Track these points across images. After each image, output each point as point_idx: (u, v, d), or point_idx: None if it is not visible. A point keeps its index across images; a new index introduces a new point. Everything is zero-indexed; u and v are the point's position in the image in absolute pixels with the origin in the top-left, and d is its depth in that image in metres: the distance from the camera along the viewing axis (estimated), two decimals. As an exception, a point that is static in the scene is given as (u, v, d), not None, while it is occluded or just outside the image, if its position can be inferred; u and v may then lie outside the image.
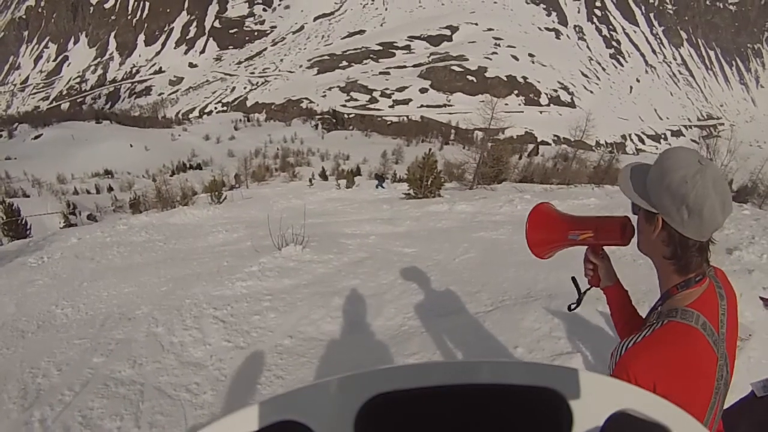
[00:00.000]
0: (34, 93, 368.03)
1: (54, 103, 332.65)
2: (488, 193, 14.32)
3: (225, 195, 19.02)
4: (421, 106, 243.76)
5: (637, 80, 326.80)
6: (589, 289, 1.79)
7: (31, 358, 4.68)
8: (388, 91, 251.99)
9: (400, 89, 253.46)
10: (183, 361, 4.47)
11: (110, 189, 48.24)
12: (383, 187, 21.85)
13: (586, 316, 4.23)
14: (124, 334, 5.07)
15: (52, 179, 58.10)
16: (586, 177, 18.25)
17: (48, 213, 19.94)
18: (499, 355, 3.97)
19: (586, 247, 1.69)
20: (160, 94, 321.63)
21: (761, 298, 4.31)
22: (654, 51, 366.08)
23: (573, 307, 1.83)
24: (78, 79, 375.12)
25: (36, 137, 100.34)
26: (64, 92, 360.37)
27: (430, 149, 17.97)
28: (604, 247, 1.67)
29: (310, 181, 27.34)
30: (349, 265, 6.82)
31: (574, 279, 1.87)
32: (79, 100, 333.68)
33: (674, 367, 1.29)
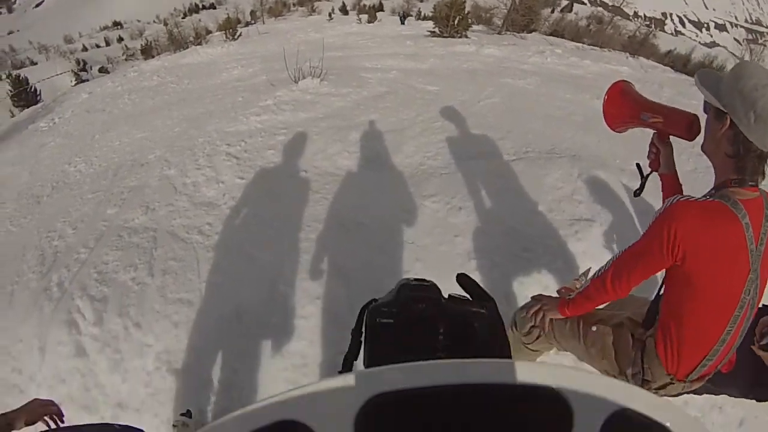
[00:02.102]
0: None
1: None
2: (517, 41, 13.22)
3: (240, 32, 17.96)
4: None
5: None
6: (650, 173, 1.92)
7: (47, 223, 4.49)
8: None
9: None
10: (195, 202, 4.22)
11: (120, 39, 46.89)
12: (404, 23, 21.02)
13: (612, 185, 4.01)
14: (136, 180, 4.81)
15: (59, 41, 56.96)
16: (619, 44, 16.81)
17: (56, 74, 19.43)
18: (519, 208, 3.83)
19: (653, 132, 1.81)
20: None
21: None
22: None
23: (637, 192, 1.97)
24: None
25: (37, 5, 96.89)
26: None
27: None
28: (670, 138, 1.78)
29: (330, 15, 25.85)
30: (369, 100, 6.36)
31: (638, 165, 1.99)
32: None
33: (710, 242, 1.45)
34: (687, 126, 1.65)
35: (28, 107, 13.88)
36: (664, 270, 1.66)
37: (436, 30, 14.44)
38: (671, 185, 1.84)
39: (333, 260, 3.37)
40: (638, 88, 1.94)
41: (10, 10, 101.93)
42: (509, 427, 0.37)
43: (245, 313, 3.07)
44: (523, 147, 4.81)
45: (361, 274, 3.23)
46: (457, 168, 4.39)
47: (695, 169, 4.46)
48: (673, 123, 1.70)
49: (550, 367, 0.38)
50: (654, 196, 2.06)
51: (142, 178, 4.84)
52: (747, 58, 19.48)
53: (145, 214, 4.17)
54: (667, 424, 0.37)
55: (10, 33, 74.81)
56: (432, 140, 5.00)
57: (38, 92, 16.98)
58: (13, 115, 13.56)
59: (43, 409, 1.59)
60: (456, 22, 14.23)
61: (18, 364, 3.07)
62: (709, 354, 1.63)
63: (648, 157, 1.87)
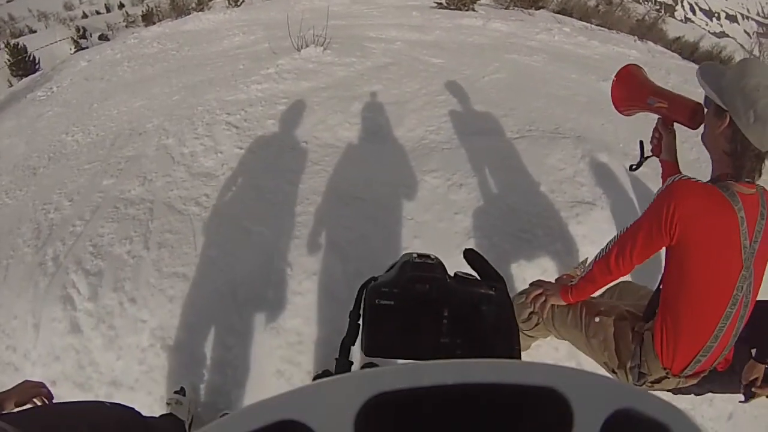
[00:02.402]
0: None
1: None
2: (525, 17, 12.97)
3: (243, -3, 17.77)
4: None
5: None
6: (650, 156, 1.95)
7: (43, 195, 4.45)
8: None
9: None
10: (193, 172, 4.17)
11: (121, 6, 46.59)
12: None
13: (614, 169, 4.00)
14: (134, 150, 4.76)
15: (59, 8, 56.60)
16: (628, 27, 16.64)
17: (55, 41, 19.26)
18: (520, 188, 3.78)
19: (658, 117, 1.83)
20: None
21: None
22: None
23: (634, 167, 2.02)
24: None
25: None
26: None
27: None
28: (674, 125, 1.81)
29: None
30: (372, 70, 6.25)
31: (641, 142, 2.01)
32: None
33: (705, 226, 1.47)
34: (690, 114, 1.68)
35: (26, 76, 13.74)
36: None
37: (443, 2, 14.29)
38: (671, 172, 1.86)
39: (330, 235, 3.34)
40: (646, 69, 1.95)
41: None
42: (509, 428, 0.36)
43: (240, 287, 3.04)
44: (526, 125, 4.74)
45: (359, 250, 3.20)
46: (459, 144, 4.33)
47: (698, 158, 4.37)
48: (677, 110, 1.72)
49: (550, 367, 0.37)
50: (656, 182, 2.07)
51: (139, 147, 4.78)
52: (756, 51, 19.30)
53: (142, 185, 4.12)
54: (669, 424, 0.35)
55: (9, 1, 74.12)
56: (435, 114, 4.93)
57: (37, 61, 16.81)
58: (11, 85, 13.49)
59: (33, 390, 1.61)
60: None
61: (12, 341, 3.07)
62: (702, 349, 1.64)
63: (651, 141, 1.92)
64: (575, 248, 3.31)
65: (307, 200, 3.65)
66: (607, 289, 2.33)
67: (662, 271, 1.74)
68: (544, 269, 3.17)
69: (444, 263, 0.79)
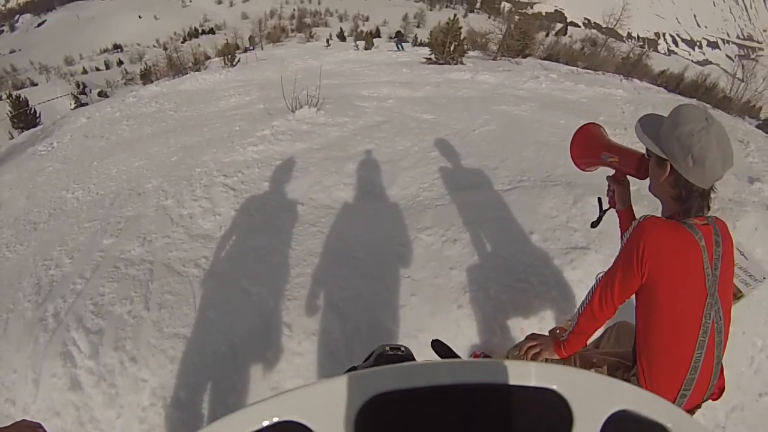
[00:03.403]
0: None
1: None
2: (512, 66, 13.61)
3: (238, 57, 18.25)
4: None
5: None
6: (609, 208, 2.09)
7: (43, 250, 4.52)
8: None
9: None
10: (192, 234, 4.26)
11: (120, 63, 47.49)
12: (402, 49, 21.58)
13: (607, 215, 4.08)
14: (133, 210, 4.86)
15: (60, 63, 57.41)
16: (613, 66, 17.26)
17: (56, 97, 19.61)
18: (513, 239, 3.88)
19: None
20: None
21: None
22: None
23: (594, 224, 2.18)
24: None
25: (39, 25, 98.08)
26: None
27: (454, 15, 16.88)
28: (627, 176, 1.91)
29: (328, 42, 26.20)
30: (365, 129, 6.46)
31: (599, 199, 2.17)
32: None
33: (672, 259, 1.55)
34: (637, 165, 1.78)
35: (27, 129, 13.98)
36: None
37: (432, 57, 14.74)
38: (627, 221, 2.00)
39: (328, 295, 3.40)
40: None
41: (12, 29, 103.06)
42: (509, 428, 0.37)
43: (240, 348, 3.08)
44: (517, 175, 4.86)
45: (357, 309, 3.25)
46: (452, 199, 4.44)
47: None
48: (626, 162, 1.83)
49: (550, 367, 0.39)
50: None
51: (139, 207, 4.88)
52: (739, 73, 19.74)
53: (141, 245, 4.20)
54: (668, 425, 0.38)
55: (12, 52, 75.46)
56: (427, 171, 5.06)
57: (38, 114, 17.11)
58: (12, 137, 13.60)
59: (29, 430, 1.59)
60: (452, 48, 14.62)
61: (11, 394, 3.09)
62: (684, 384, 1.64)
63: (607, 194, 2.04)
64: (571, 293, 3.36)
65: (304, 261, 3.72)
66: (607, 329, 2.39)
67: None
68: (542, 317, 3.23)
69: (413, 353, 0.87)
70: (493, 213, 4.19)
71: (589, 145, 1.98)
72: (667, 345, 1.64)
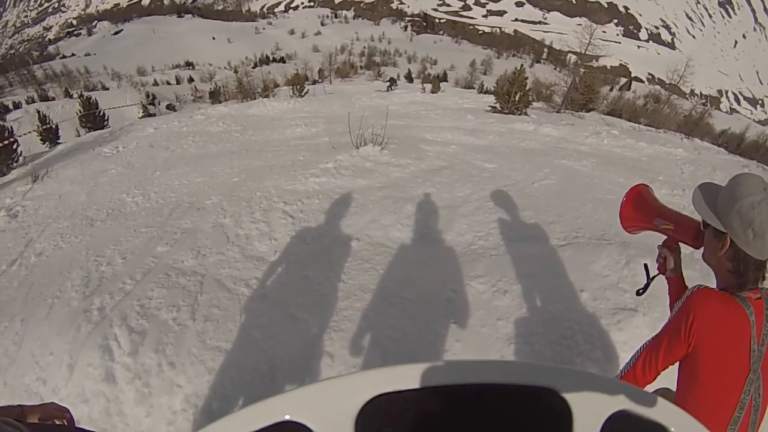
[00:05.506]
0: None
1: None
2: (575, 120, 13.62)
3: (307, 89, 18.81)
4: (516, 19, 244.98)
5: (744, 36, 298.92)
6: (657, 275, 2.04)
7: (97, 246, 4.79)
8: (482, 0, 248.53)
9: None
10: (247, 254, 4.44)
11: (191, 80, 49.39)
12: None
13: (654, 281, 4.09)
14: (191, 223, 5.10)
15: (132, 72, 60.22)
16: (675, 124, 17.15)
17: (126, 105, 20.58)
18: (563, 295, 3.89)
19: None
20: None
21: None
22: (766, 9, 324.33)
23: (641, 291, 2.09)
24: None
25: (116, 33, 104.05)
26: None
27: (521, 65, 17.24)
28: (680, 243, 1.89)
29: (389, 87, 26.54)
30: (426, 173, 6.59)
31: (645, 266, 2.15)
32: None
33: (720, 333, 1.55)
34: (695, 234, 1.76)
35: (94, 130, 14.77)
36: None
37: (497, 105, 14.90)
38: (677, 290, 1.95)
39: (374, 332, 3.47)
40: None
41: (90, 33, 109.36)
42: (510, 428, 0.38)
43: (280, 370, 3.19)
44: (573, 232, 4.90)
45: (401, 349, 3.31)
46: (506, 250, 4.49)
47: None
48: (681, 231, 1.82)
49: (550, 367, 0.40)
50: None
51: (196, 222, 5.12)
52: None
53: (195, 258, 4.41)
54: (668, 425, 0.40)
55: (87, 55, 79.88)
56: (484, 219, 5.13)
57: (106, 117, 18.02)
58: (78, 135, 14.32)
59: (56, 412, 1.66)
60: (517, 98, 14.77)
61: (44, 374, 3.28)
62: None
63: (657, 260, 2.00)
64: (615, 354, 3.36)
65: (354, 295, 3.83)
66: None
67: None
68: (584, 377, 3.19)
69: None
70: (546, 267, 4.23)
71: (641, 210, 1.98)
72: (701, 419, 1.62)
